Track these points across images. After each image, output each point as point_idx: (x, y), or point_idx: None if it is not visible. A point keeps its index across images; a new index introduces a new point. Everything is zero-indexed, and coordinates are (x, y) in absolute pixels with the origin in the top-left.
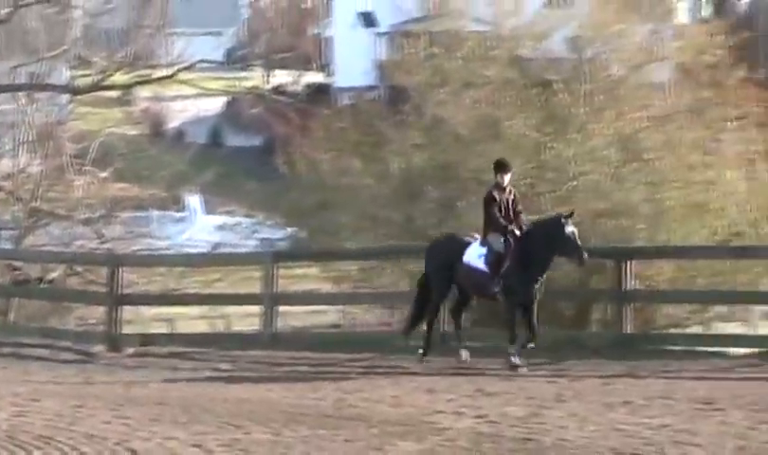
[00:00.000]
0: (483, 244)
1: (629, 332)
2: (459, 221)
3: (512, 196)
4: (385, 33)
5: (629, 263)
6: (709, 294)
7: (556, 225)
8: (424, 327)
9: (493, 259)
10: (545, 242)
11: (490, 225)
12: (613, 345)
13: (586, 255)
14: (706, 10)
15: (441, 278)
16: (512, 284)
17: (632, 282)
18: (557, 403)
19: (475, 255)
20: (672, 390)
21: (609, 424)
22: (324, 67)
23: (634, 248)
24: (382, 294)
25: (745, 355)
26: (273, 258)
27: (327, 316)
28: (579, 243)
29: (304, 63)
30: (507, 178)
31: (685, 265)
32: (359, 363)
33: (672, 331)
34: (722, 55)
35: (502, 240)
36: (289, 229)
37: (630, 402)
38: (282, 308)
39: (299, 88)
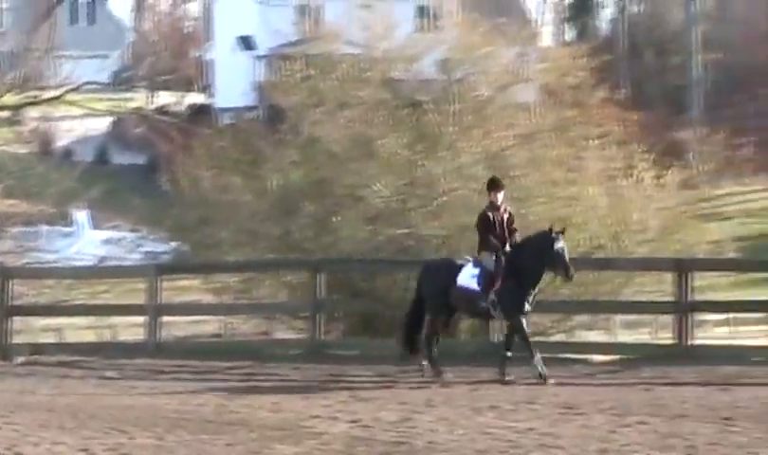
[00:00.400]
0: (475, 264)
1: (497, 340)
2: (334, 235)
3: (506, 215)
4: (263, 56)
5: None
6: (572, 304)
7: (545, 240)
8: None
9: (485, 278)
10: (535, 257)
11: (483, 245)
12: (481, 353)
13: (573, 270)
14: (569, 34)
15: (437, 301)
16: (506, 301)
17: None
18: (427, 408)
19: (468, 276)
20: (537, 395)
21: (477, 427)
22: (206, 89)
23: None
24: (261, 305)
25: (606, 362)
26: (157, 270)
27: (208, 325)
28: (568, 258)
29: (187, 85)
30: (500, 196)
31: (548, 277)
32: (239, 371)
33: (537, 339)
34: (584, 77)
35: (493, 258)
36: (172, 243)
37: (497, 407)
38: (165, 318)
39: (181, 109)
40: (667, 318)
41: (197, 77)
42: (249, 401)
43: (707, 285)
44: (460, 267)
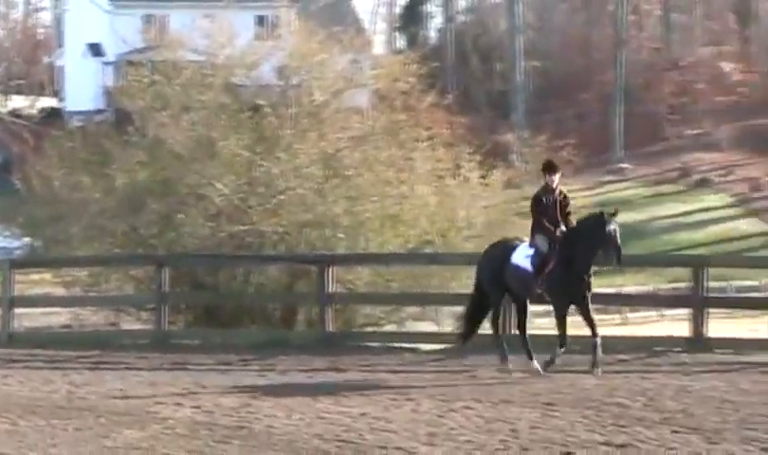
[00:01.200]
0: (530, 245)
1: (331, 330)
2: (178, 231)
3: (561, 197)
4: (112, 62)
5: (331, 268)
6: (403, 296)
7: (598, 223)
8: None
9: (538, 260)
10: (587, 240)
11: (536, 227)
12: (318, 342)
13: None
14: (400, 43)
15: (493, 284)
16: (559, 285)
17: (334, 286)
18: (266, 395)
19: (522, 255)
20: (370, 382)
21: (314, 413)
22: (57, 93)
23: (336, 255)
24: (109, 297)
25: (434, 351)
26: (10, 265)
27: (60, 317)
28: (619, 242)
29: (39, 89)
30: (556, 179)
31: (381, 271)
32: (88, 359)
33: (370, 329)
34: (413, 82)
35: (547, 241)
36: (25, 239)
37: (332, 393)
38: (18, 310)
39: (34, 112)
40: None
41: (49, 82)
42: (98, 388)
43: None
44: (514, 247)
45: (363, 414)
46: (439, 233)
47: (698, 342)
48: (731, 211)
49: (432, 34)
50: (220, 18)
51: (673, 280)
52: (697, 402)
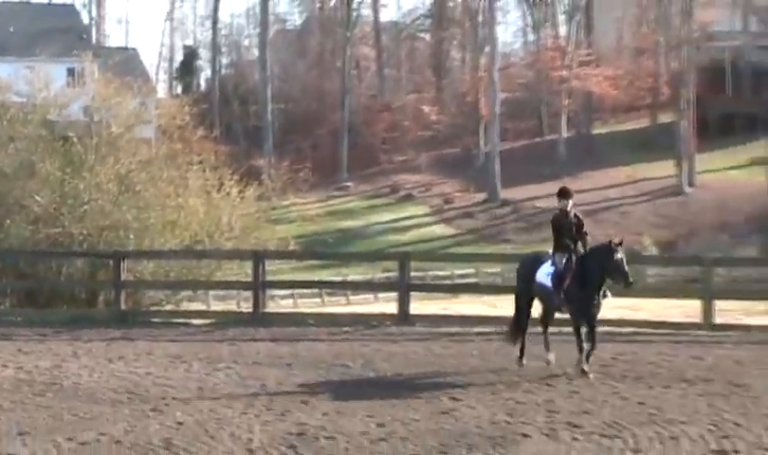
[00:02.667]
0: (552, 263)
1: (124, 309)
2: (5, 232)
3: (575, 219)
4: None
5: (124, 261)
6: (179, 283)
7: (606, 251)
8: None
9: (556, 276)
10: (597, 266)
11: (556, 246)
12: (114, 319)
13: (631, 278)
14: (178, 89)
15: (523, 292)
16: (573, 300)
17: (126, 275)
18: (73, 358)
19: (544, 273)
20: (154, 348)
21: (110, 372)
22: None
23: (128, 251)
24: None
25: (203, 325)
26: None
27: None
28: (626, 268)
29: None
30: (569, 204)
31: (162, 263)
32: None
33: (154, 308)
34: (187, 120)
35: (564, 260)
36: None
37: (123, 357)
38: None
39: None
40: (248, 293)
41: None
42: None
43: (277, 269)
44: (542, 262)
45: (148, 373)
46: (207, 235)
47: (403, 318)
48: (428, 219)
49: (203, 83)
50: (38, 69)
51: (385, 270)
52: (402, 362)
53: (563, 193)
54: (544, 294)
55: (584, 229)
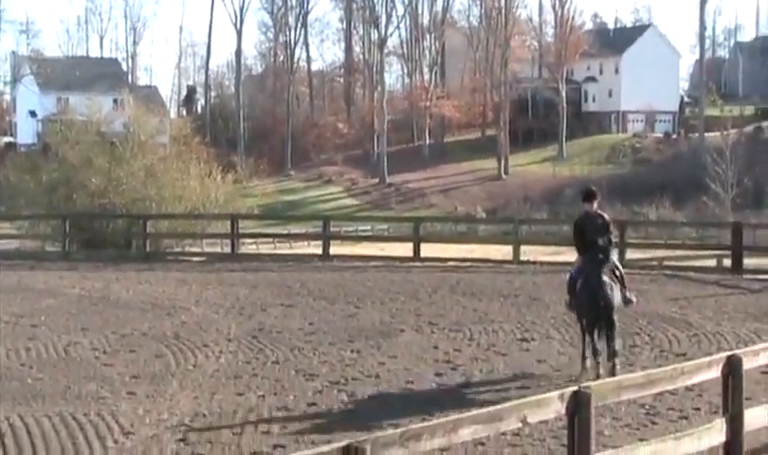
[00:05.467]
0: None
1: (148, 251)
2: (74, 203)
3: (600, 220)
4: (40, 119)
5: (148, 221)
6: (183, 234)
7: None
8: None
9: (569, 279)
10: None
11: (578, 249)
12: (142, 257)
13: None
14: (183, 112)
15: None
16: (577, 303)
17: (150, 229)
18: (116, 282)
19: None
20: (167, 275)
21: (139, 290)
22: (13, 134)
23: (150, 214)
24: (39, 235)
25: (199, 261)
26: None
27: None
28: (623, 271)
29: (2, 132)
30: (594, 205)
31: (173, 222)
32: (28, 264)
33: (167, 250)
34: (189, 132)
35: (577, 265)
36: None
37: (148, 281)
38: None
39: (1, 144)
40: (227, 241)
41: (8, 128)
42: (34, 279)
43: (245, 226)
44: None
45: (163, 291)
46: (201, 204)
47: (325, 257)
48: (342, 195)
49: (199, 108)
50: (94, 99)
51: (314, 226)
52: (324, 284)
53: (587, 195)
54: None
55: (611, 233)
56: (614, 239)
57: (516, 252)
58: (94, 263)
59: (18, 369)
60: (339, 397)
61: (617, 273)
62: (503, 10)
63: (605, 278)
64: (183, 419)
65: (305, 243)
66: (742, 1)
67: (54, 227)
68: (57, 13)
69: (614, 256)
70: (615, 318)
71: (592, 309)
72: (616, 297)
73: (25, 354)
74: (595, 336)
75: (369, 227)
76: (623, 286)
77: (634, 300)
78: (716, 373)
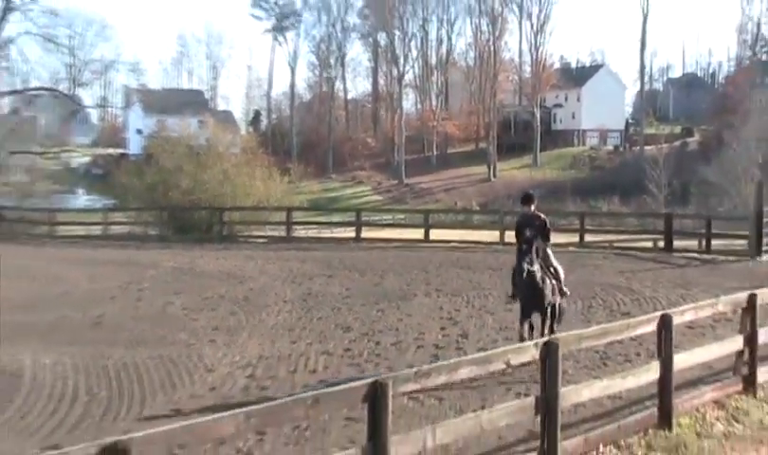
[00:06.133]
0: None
1: (224, 234)
2: (170, 198)
3: (538, 222)
4: (145, 135)
5: (225, 212)
6: (251, 222)
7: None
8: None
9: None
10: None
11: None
12: (219, 239)
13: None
14: (252, 129)
15: None
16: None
17: (225, 218)
18: (200, 258)
19: None
20: (238, 253)
21: (217, 264)
22: (125, 146)
23: (226, 207)
24: (140, 221)
25: (263, 242)
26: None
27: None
28: (558, 266)
29: (116, 146)
30: (531, 207)
31: (243, 213)
32: (134, 244)
33: (239, 234)
34: (255, 145)
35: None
36: (110, 201)
37: (224, 257)
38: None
39: (115, 154)
40: (283, 226)
41: (121, 142)
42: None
43: (296, 216)
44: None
45: (235, 265)
46: (264, 199)
47: (358, 239)
48: (369, 192)
49: (263, 127)
50: (184, 121)
51: (349, 216)
52: (357, 260)
53: (523, 199)
54: None
55: (545, 236)
56: (551, 238)
57: (501, 236)
58: (184, 244)
59: (127, 322)
60: (368, 345)
61: (552, 269)
62: (492, 54)
63: (535, 267)
64: (251, 361)
65: (342, 228)
66: (672, 46)
67: (154, 216)
68: (157, 56)
69: (551, 253)
70: (549, 307)
71: (523, 295)
72: (548, 288)
73: (133, 310)
74: (528, 326)
75: (390, 217)
76: (557, 280)
77: (568, 292)
78: (653, 327)
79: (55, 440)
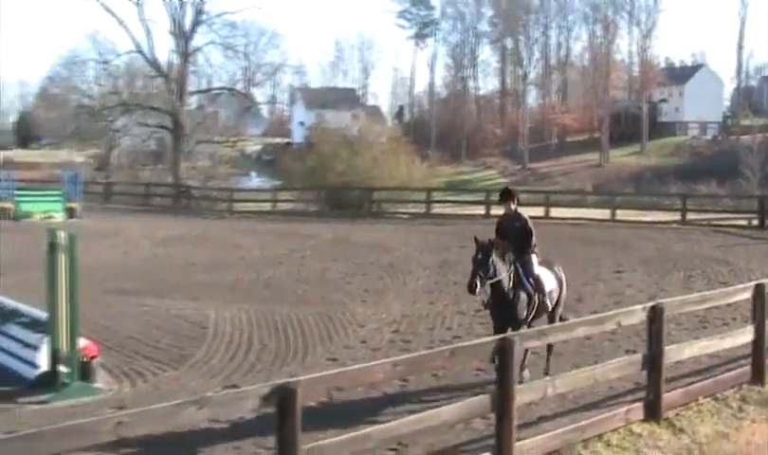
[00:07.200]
0: None
1: (373, 210)
2: (326, 180)
3: (517, 223)
4: (306, 127)
5: (374, 192)
6: (395, 200)
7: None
8: None
9: None
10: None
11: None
12: (369, 214)
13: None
14: (397, 120)
15: None
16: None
17: (374, 196)
18: (352, 230)
19: None
20: (385, 226)
21: (366, 237)
22: (290, 137)
23: (375, 187)
24: (302, 199)
25: (406, 217)
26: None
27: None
28: (537, 276)
29: (282, 135)
30: (511, 206)
31: (390, 193)
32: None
33: (386, 210)
34: (400, 135)
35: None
36: (275, 182)
37: (371, 231)
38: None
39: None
40: (422, 204)
41: (286, 133)
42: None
43: (436, 196)
44: None
45: (382, 236)
46: (408, 181)
47: (486, 214)
48: (497, 176)
49: (407, 119)
50: (339, 115)
51: (480, 195)
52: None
53: (501, 195)
54: None
55: (527, 233)
56: (532, 242)
57: (612, 214)
58: (339, 219)
59: (292, 284)
60: None
61: (531, 280)
62: (605, 56)
63: (500, 278)
64: (395, 318)
65: (473, 206)
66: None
67: (314, 195)
68: (317, 59)
69: (534, 259)
70: (520, 319)
71: (491, 309)
72: (522, 302)
73: (297, 274)
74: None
75: None
76: (538, 292)
77: (549, 307)
78: (748, 295)
79: (233, 380)
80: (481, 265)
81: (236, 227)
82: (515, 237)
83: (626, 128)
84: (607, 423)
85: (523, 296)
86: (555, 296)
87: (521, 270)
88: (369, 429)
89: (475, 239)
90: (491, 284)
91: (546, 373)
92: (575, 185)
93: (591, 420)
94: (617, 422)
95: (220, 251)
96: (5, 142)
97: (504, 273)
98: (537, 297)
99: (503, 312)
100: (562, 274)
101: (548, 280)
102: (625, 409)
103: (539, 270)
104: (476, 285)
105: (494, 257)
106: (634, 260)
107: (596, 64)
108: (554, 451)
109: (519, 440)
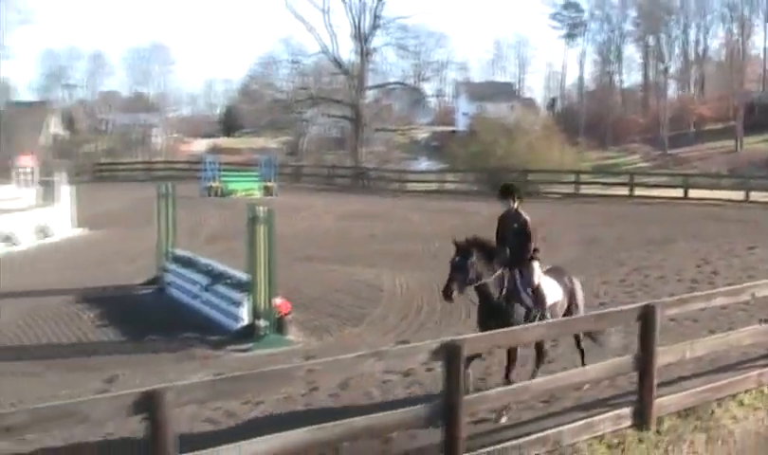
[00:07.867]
0: None
1: (528, 191)
2: (490, 164)
3: (516, 224)
4: (468, 117)
5: (528, 174)
6: (526, 181)
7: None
8: None
9: None
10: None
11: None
12: (525, 195)
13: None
14: (548, 109)
15: None
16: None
17: (530, 178)
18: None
19: None
20: (541, 205)
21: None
22: (455, 125)
23: (530, 170)
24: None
25: (557, 198)
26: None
27: None
28: (537, 286)
29: (445, 124)
30: (511, 204)
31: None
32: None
33: (541, 190)
34: (552, 122)
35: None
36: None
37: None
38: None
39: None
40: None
41: (450, 122)
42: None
43: (585, 178)
44: None
45: (536, 214)
46: (559, 164)
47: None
48: (639, 161)
49: (558, 109)
50: (500, 105)
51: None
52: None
53: (500, 192)
54: None
55: (524, 237)
56: (532, 246)
57: (747, 195)
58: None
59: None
60: (638, 277)
61: (529, 290)
62: (741, 52)
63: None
64: None
65: (618, 188)
66: None
67: (476, 177)
68: (478, 56)
69: (536, 266)
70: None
71: (479, 322)
72: (519, 315)
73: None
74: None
75: (656, 179)
76: (539, 305)
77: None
78: None
79: (406, 336)
80: (458, 269)
81: (407, 204)
82: (513, 239)
83: (759, 117)
84: (740, 384)
85: (521, 310)
86: (559, 311)
87: (518, 279)
88: (527, 382)
89: (454, 241)
90: (477, 290)
91: (533, 377)
92: (711, 169)
93: (725, 381)
94: (750, 384)
95: (393, 225)
96: (213, 131)
97: (491, 277)
98: (536, 311)
99: (494, 326)
100: (576, 285)
101: (552, 291)
102: (757, 372)
103: (541, 279)
104: (452, 291)
105: (473, 259)
106: (767, 237)
107: (732, 60)
108: (690, 408)
109: (658, 397)
